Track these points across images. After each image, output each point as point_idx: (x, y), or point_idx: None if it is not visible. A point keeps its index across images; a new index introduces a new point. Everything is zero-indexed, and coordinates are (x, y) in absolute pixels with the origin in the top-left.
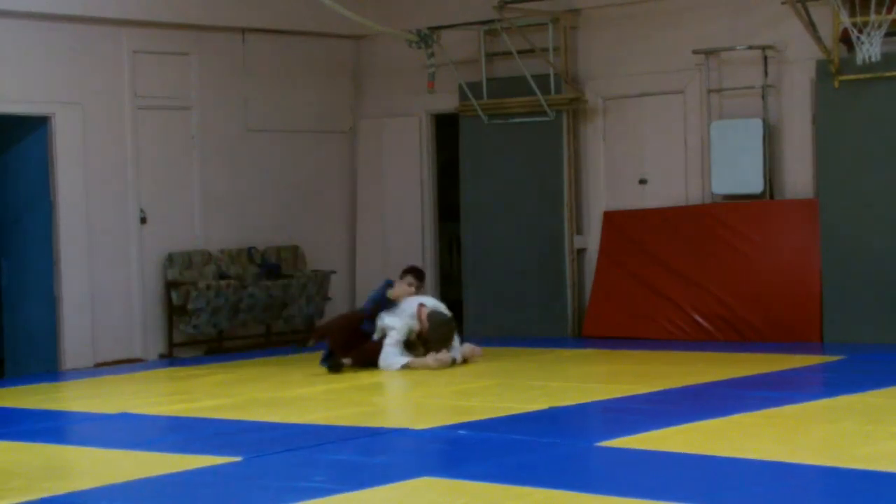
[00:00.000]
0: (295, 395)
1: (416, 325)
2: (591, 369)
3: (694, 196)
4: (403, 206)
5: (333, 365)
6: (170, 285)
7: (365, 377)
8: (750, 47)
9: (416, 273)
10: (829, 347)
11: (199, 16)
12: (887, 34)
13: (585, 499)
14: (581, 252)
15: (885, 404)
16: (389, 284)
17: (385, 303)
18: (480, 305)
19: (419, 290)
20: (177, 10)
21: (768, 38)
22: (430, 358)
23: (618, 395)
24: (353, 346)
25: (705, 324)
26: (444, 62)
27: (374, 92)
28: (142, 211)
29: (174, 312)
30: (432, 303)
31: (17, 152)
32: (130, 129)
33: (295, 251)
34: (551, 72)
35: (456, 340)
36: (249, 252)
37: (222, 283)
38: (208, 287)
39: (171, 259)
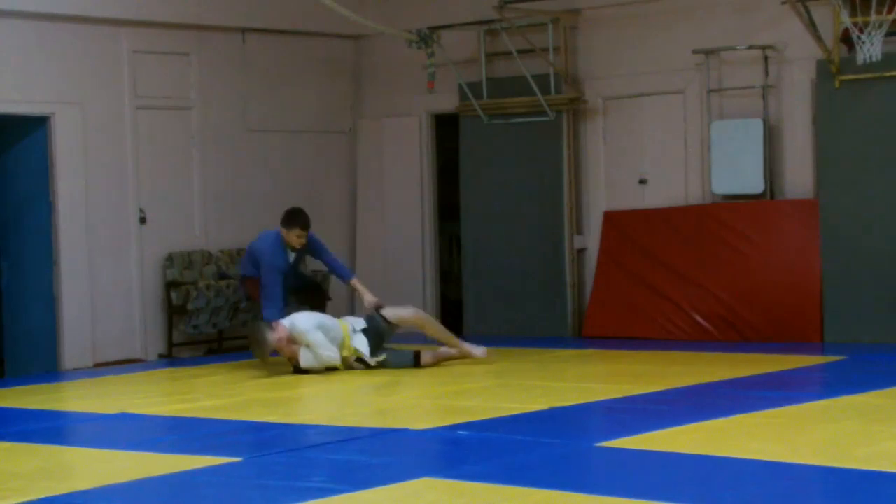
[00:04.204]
0: (295, 395)
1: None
2: (591, 369)
3: (694, 196)
4: (403, 206)
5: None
6: (170, 285)
7: (365, 377)
8: (750, 47)
9: (302, 222)
10: (829, 347)
11: (199, 16)
12: (888, 34)
13: (585, 499)
14: (581, 252)
15: (886, 404)
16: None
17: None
18: (480, 305)
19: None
20: (177, 10)
21: (768, 38)
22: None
23: (618, 395)
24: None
25: (705, 324)
26: (444, 62)
27: (374, 92)
28: (142, 211)
29: (174, 312)
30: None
31: (17, 152)
32: (130, 129)
33: None
34: (551, 72)
35: (325, 345)
36: None
37: (222, 283)
38: (208, 287)
39: (171, 259)
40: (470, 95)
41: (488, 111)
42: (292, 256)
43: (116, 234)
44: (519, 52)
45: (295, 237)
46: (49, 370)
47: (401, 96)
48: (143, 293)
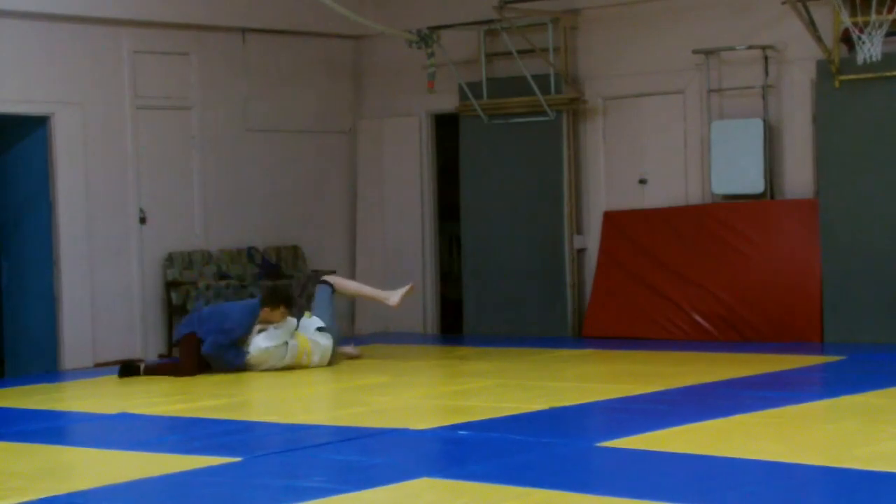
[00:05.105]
0: (295, 395)
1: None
2: (591, 369)
3: (694, 196)
4: (403, 206)
5: (124, 369)
6: (170, 285)
7: (365, 377)
8: (750, 47)
9: (285, 301)
10: (829, 347)
11: (199, 16)
12: (888, 34)
13: (585, 499)
14: (581, 252)
15: (886, 404)
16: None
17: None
18: (480, 305)
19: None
20: (177, 10)
21: (768, 38)
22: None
23: (618, 395)
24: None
25: (705, 324)
26: (444, 62)
27: (374, 92)
28: (142, 211)
29: (174, 312)
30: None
31: (17, 152)
32: (130, 129)
33: (295, 251)
34: (551, 72)
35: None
36: (249, 252)
37: (222, 283)
38: (208, 287)
39: (171, 259)
40: (470, 95)
41: (488, 111)
42: (255, 330)
43: (116, 234)
44: (519, 52)
45: (280, 315)
46: (49, 370)
47: (401, 96)
48: (143, 293)
